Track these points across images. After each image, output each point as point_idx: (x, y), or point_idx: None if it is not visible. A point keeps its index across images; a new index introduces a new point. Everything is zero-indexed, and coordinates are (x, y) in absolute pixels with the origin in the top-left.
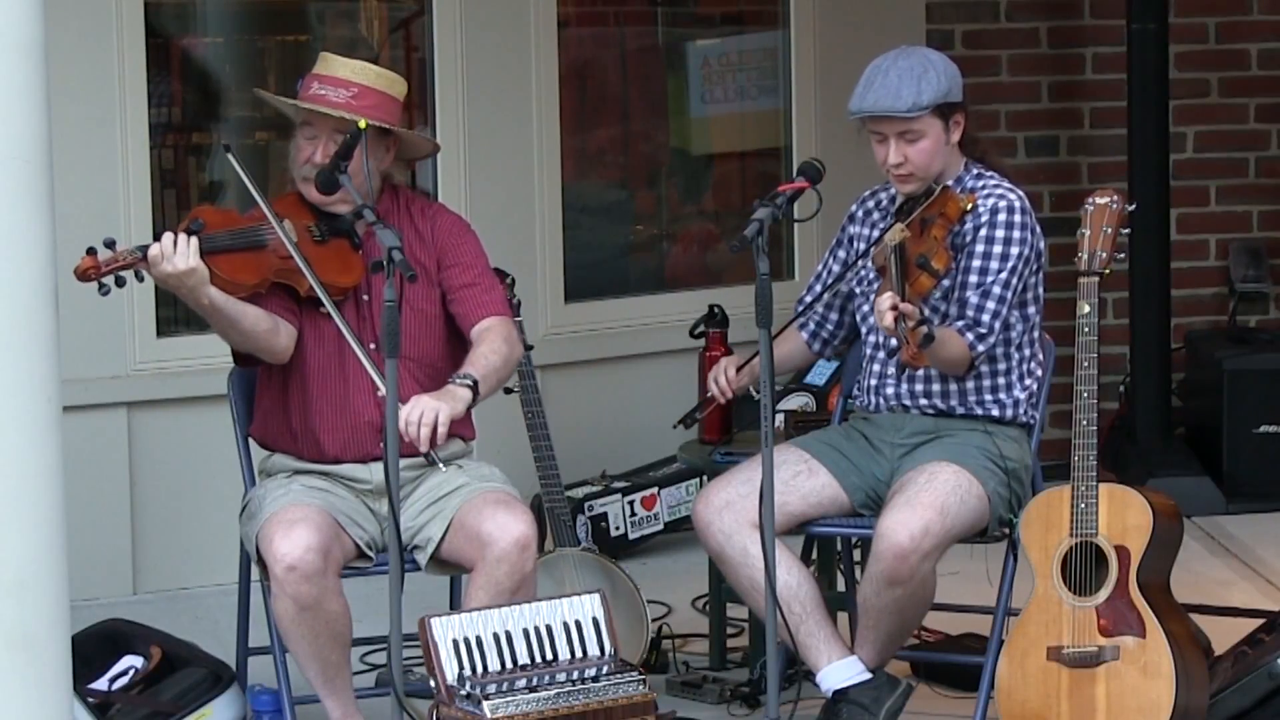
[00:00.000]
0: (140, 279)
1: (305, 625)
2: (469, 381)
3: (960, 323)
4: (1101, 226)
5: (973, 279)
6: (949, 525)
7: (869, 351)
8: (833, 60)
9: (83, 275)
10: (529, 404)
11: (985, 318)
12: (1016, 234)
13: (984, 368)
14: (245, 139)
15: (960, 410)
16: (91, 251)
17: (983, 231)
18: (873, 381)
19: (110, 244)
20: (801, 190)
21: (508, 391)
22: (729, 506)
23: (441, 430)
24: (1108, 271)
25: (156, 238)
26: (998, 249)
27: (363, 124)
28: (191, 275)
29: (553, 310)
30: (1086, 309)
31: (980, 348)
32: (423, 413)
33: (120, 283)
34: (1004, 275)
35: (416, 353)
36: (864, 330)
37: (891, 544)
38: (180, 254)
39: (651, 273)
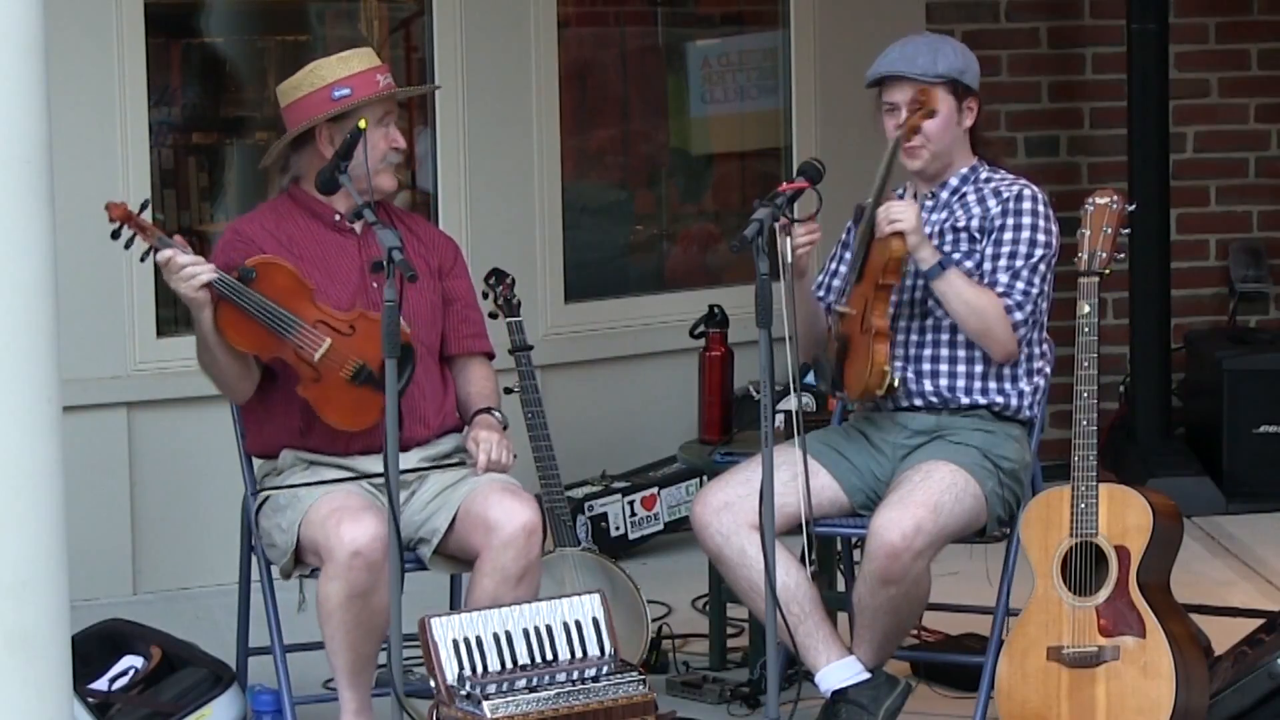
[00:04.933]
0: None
1: (350, 613)
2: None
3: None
4: (1101, 226)
5: (1002, 263)
6: (942, 524)
7: None
8: (833, 60)
9: (115, 214)
10: (529, 404)
11: (1017, 296)
12: (1042, 224)
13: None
14: (246, 139)
15: (964, 399)
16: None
17: (1010, 219)
18: None
19: (145, 206)
20: (801, 190)
21: (508, 391)
22: (727, 508)
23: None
24: (1108, 271)
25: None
26: (1025, 234)
27: (363, 124)
28: (186, 298)
29: (553, 310)
30: (1086, 309)
31: (1018, 315)
32: (494, 447)
33: (128, 244)
34: (1034, 261)
35: (428, 339)
36: None
37: (883, 543)
38: (179, 277)
39: (651, 273)
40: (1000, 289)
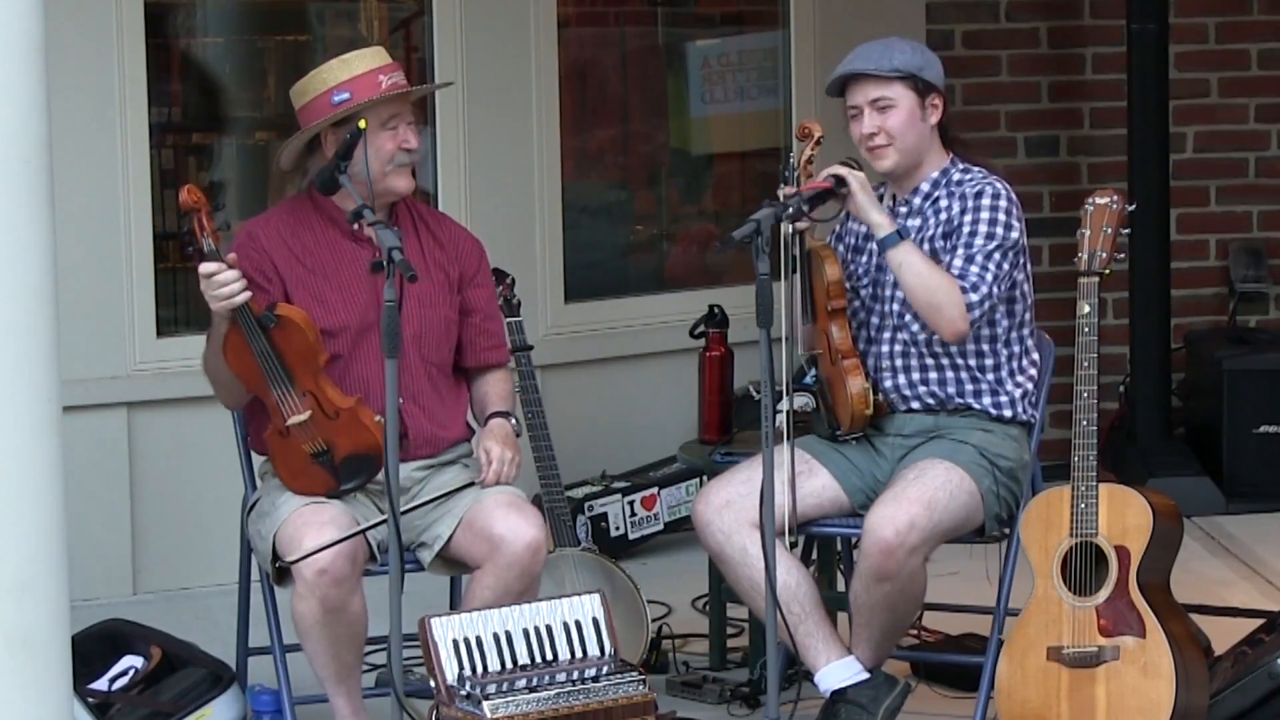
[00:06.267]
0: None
1: (328, 628)
2: (516, 425)
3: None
4: (1101, 226)
5: (960, 252)
6: (936, 520)
7: (862, 348)
8: (833, 60)
9: (185, 200)
10: (529, 404)
11: (971, 278)
12: (1001, 217)
13: (972, 362)
14: (245, 139)
15: (959, 400)
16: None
17: (968, 216)
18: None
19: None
20: (824, 191)
21: None
22: (729, 506)
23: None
24: (1108, 271)
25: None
26: (983, 228)
27: (362, 124)
28: (213, 307)
29: (553, 310)
30: (1086, 309)
31: (973, 296)
32: (505, 466)
33: (188, 236)
34: (989, 248)
35: (438, 358)
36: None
37: (877, 539)
38: (213, 296)
39: (651, 273)
40: (955, 271)
